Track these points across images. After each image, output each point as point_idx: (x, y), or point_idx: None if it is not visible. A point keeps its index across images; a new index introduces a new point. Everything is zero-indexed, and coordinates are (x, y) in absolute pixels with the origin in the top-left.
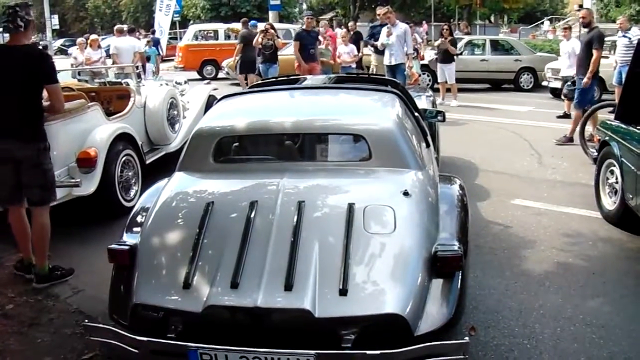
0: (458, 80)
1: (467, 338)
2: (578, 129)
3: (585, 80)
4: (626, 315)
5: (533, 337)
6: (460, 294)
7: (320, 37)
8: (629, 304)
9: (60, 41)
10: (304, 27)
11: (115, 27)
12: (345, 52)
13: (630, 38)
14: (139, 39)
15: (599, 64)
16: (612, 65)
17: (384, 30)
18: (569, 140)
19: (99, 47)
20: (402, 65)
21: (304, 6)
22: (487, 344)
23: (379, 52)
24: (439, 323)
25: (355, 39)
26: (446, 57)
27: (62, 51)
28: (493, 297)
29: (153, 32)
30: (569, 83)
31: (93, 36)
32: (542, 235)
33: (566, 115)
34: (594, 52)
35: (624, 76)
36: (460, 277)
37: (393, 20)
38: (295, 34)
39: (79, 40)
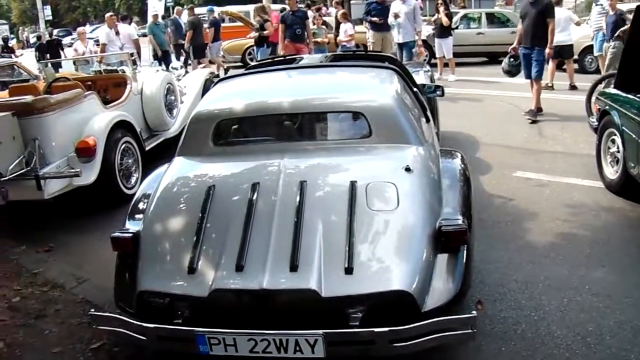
0: (455, 55)
1: (474, 312)
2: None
3: (548, 51)
4: (632, 284)
5: (540, 308)
6: (465, 268)
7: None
8: (634, 273)
9: (54, 32)
10: (288, 8)
11: (106, 16)
12: (342, 31)
13: (602, 5)
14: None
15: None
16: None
17: (394, 6)
18: (539, 110)
19: (117, 33)
20: (411, 42)
21: None
22: (494, 317)
23: (376, 28)
24: (446, 298)
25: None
26: (443, 31)
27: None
28: (498, 271)
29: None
30: (511, 58)
31: (153, 11)
32: (545, 207)
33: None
34: (549, 21)
35: (600, 43)
36: (465, 251)
37: None
38: (280, 16)
39: (80, 29)
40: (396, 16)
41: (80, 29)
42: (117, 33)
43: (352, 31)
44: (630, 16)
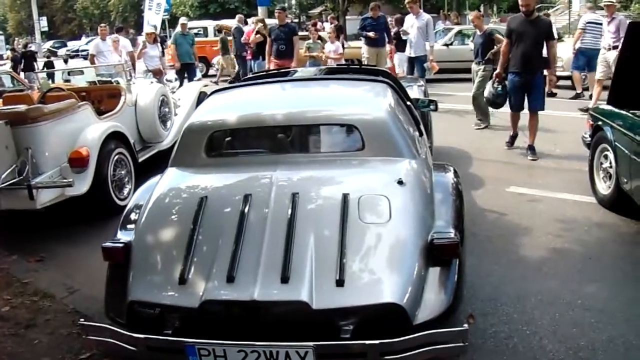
0: (449, 71)
1: (466, 325)
2: None
3: (553, 78)
4: (624, 299)
5: (532, 323)
6: (457, 281)
7: (307, 32)
8: (627, 288)
9: (50, 43)
10: (277, 22)
11: (99, 28)
12: (331, 50)
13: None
14: (129, 38)
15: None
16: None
17: (407, 20)
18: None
19: (155, 40)
20: (423, 57)
21: (293, 1)
22: (486, 332)
23: (371, 43)
24: (438, 311)
25: (336, 32)
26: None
27: (52, 53)
28: (491, 285)
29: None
30: (498, 87)
31: (149, 29)
32: (538, 222)
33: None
34: (552, 43)
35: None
36: (457, 264)
37: (416, 10)
38: (268, 29)
39: (114, 36)
40: (404, 33)
41: (114, 36)
42: (116, 47)
43: (341, 50)
44: (500, 36)
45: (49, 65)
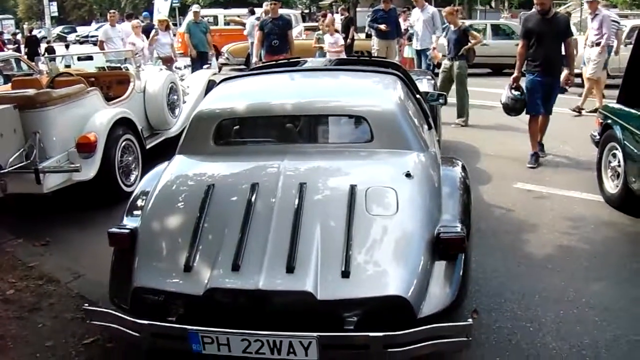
0: None
1: (470, 320)
2: None
3: (569, 77)
4: (629, 298)
5: (536, 320)
6: (463, 276)
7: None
8: (632, 287)
9: (59, 28)
10: (270, 14)
11: (108, 14)
12: (330, 43)
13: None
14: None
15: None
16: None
17: (413, 14)
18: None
19: (167, 27)
20: (429, 50)
21: None
22: (490, 327)
23: (381, 36)
24: (442, 305)
25: (346, 24)
26: None
27: (61, 38)
28: (496, 280)
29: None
30: (514, 91)
31: (162, 16)
32: (544, 219)
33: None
34: (570, 41)
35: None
36: (463, 259)
37: (421, 3)
38: (259, 22)
39: (134, 22)
40: (410, 27)
41: (135, 22)
42: (138, 33)
43: (342, 42)
44: (475, 33)
45: (49, 50)
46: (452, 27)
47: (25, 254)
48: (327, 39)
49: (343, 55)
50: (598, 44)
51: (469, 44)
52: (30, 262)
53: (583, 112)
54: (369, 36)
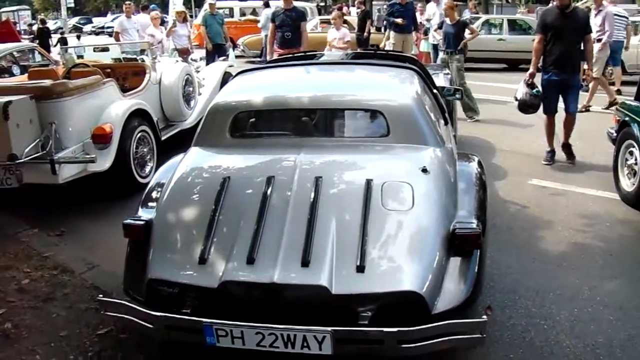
0: (475, 60)
1: (485, 317)
2: None
3: (588, 73)
4: None
5: (550, 317)
6: (478, 272)
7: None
8: None
9: (75, 19)
10: (282, 5)
11: (124, 6)
12: (337, 38)
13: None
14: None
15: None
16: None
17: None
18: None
19: (185, 19)
20: None
21: None
22: (504, 324)
23: (398, 30)
24: (457, 301)
25: (363, 17)
26: None
27: (77, 29)
28: (510, 277)
29: None
30: (531, 88)
31: (179, 7)
32: (560, 216)
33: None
34: (588, 38)
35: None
36: (478, 255)
37: None
38: (271, 13)
39: (153, 14)
40: (426, 20)
41: (153, 13)
42: (157, 25)
43: (349, 38)
44: (474, 26)
45: (62, 42)
46: (448, 21)
47: (40, 244)
48: (332, 33)
49: (349, 51)
50: (599, 40)
51: (467, 37)
52: (45, 252)
53: (590, 109)
54: (378, 29)
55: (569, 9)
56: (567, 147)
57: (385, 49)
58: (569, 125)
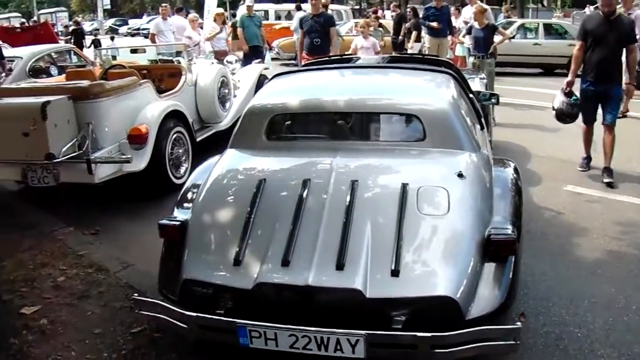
0: (510, 64)
1: (519, 324)
2: None
3: (628, 85)
4: None
5: (584, 326)
6: (512, 278)
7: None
8: None
9: (111, 21)
10: (311, 10)
11: (160, 8)
12: (364, 47)
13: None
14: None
15: None
16: None
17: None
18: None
19: (224, 22)
20: None
21: None
22: (537, 331)
23: (433, 34)
24: (491, 307)
25: (398, 21)
26: None
27: (113, 30)
28: (544, 284)
29: None
30: (569, 96)
31: (218, 9)
32: (595, 223)
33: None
34: (633, 47)
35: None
36: (513, 261)
37: (474, 1)
38: (300, 19)
39: (191, 16)
40: (465, 23)
41: (191, 15)
42: (194, 27)
43: (378, 49)
44: (507, 31)
45: (95, 43)
46: (476, 25)
47: (76, 242)
48: (359, 42)
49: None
50: None
51: (497, 40)
52: (80, 250)
53: (627, 114)
54: (409, 32)
55: (614, 16)
56: (608, 172)
57: (409, 51)
58: (609, 145)
